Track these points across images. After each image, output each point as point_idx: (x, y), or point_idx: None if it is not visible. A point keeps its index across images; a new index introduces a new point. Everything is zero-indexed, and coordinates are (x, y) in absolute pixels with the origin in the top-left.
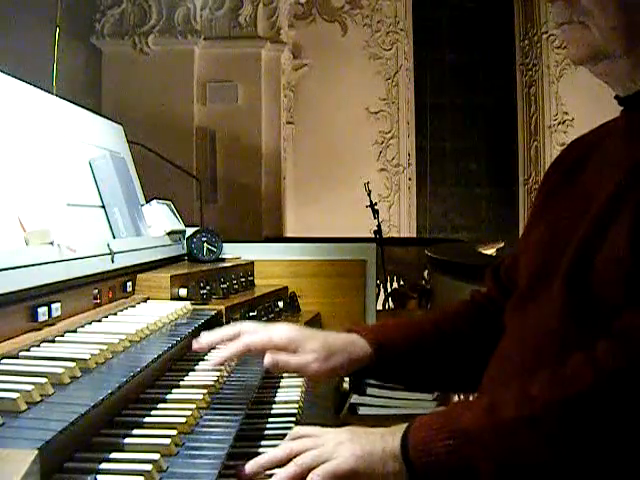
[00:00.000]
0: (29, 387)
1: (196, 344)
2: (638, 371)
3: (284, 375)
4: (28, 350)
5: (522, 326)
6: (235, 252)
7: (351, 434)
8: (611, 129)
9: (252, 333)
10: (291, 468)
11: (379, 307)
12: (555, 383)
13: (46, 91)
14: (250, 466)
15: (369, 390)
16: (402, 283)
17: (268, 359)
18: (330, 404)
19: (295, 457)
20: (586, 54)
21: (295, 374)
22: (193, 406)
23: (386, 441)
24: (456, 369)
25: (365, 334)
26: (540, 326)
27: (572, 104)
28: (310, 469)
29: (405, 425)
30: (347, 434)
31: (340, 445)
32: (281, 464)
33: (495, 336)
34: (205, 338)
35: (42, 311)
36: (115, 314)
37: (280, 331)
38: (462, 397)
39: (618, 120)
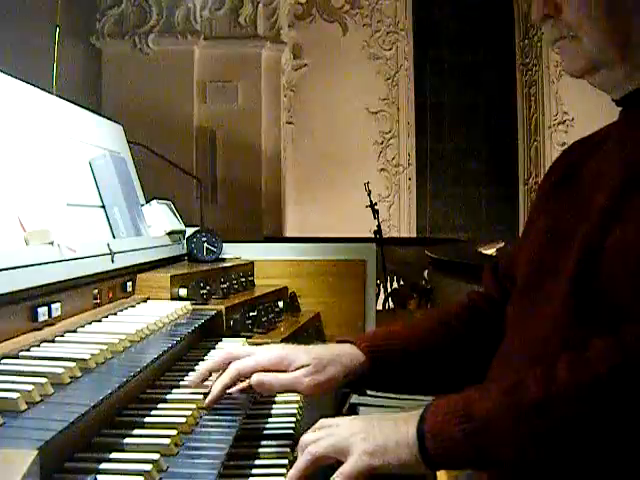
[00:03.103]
0: (29, 387)
1: (189, 382)
2: None
3: None
4: (28, 350)
5: (524, 325)
6: (235, 252)
7: (365, 424)
8: (611, 130)
9: (240, 358)
10: (305, 457)
11: (379, 307)
12: (580, 365)
13: (46, 91)
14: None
15: (369, 390)
16: (402, 283)
17: (254, 378)
18: (330, 404)
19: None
20: (583, 66)
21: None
22: (193, 406)
23: (400, 431)
24: (453, 373)
25: (359, 343)
26: (545, 325)
27: (572, 104)
28: (324, 457)
29: (420, 411)
30: (361, 424)
31: (353, 437)
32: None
33: (494, 337)
34: (195, 374)
35: (42, 311)
36: (115, 314)
37: (267, 352)
38: None
39: (618, 121)
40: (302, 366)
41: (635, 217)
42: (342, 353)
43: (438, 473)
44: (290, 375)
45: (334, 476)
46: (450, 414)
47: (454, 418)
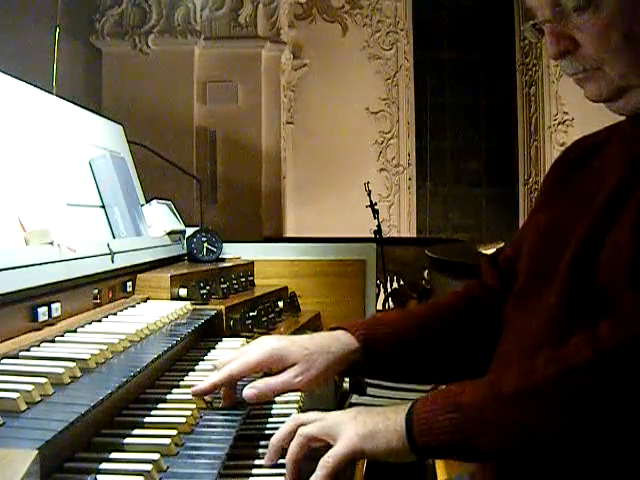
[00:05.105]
0: (29, 387)
1: (194, 390)
2: (637, 349)
3: None
4: (28, 350)
5: (524, 322)
6: (235, 252)
7: (355, 412)
8: (616, 129)
9: (229, 361)
10: (298, 439)
11: (379, 307)
12: (556, 358)
13: (46, 91)
14: (269, 455)
15: (369, 390)
16: (402, 283)
17: (246, 393)
18: (330, 404)
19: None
20: (608, 94)
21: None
22: (193, 406)
23: (389, 419)
24: (447, 362)
25: (353, 330)
26: (542, 323)
27: (572, 104)
28: (315, 439)
29: (410, 403)
30: (352, 412)
31: (344, 422)
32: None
33: (492, 328)
34: (203, 385)
35: (42, 311)
36: (115, 314)
37: (255, 350)
38: None
39: (623, 122)
40: (293, 363)
41: (631, 216)
42: (333, 342)
43: (438, 471)
44: (279, 380)
45: (324, 457)
46: (438, 404)
47: (442, 407)
